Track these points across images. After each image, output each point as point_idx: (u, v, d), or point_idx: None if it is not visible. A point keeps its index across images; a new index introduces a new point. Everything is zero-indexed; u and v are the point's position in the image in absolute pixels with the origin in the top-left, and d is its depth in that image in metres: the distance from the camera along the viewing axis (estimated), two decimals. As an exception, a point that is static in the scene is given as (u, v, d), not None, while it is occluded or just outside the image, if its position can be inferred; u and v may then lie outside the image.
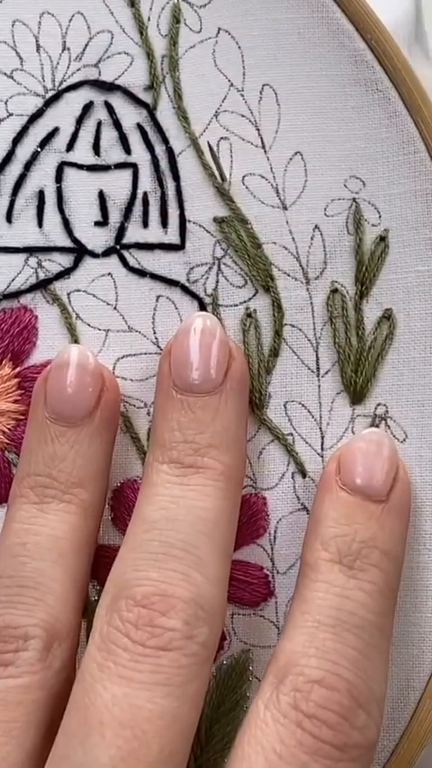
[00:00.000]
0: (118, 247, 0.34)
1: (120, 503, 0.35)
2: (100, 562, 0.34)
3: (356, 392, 0.34)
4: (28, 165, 0.34)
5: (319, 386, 0.34)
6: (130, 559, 0.31)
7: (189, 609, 0.30)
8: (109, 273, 0.34)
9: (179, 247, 0.34)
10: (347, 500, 0.32)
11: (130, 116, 0.34)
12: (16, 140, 0.34)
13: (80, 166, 0.34)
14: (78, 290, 0.34)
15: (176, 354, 0.32)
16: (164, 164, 0.34)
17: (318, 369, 0.34)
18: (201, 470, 0.32)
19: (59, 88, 0.34)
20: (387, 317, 0.34)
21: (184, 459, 0.32)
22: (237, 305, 0.34)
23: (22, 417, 0.35)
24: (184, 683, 0.29)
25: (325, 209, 0.34)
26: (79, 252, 0.34)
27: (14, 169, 0.34)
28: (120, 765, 0.28)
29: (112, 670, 0.29)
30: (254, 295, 0.34)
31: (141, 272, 0.34)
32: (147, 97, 0.34)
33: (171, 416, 0.32)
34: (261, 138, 0.34)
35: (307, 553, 0.32)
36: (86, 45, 0.34)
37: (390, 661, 0.32)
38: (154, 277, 0.34)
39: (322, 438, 0.35)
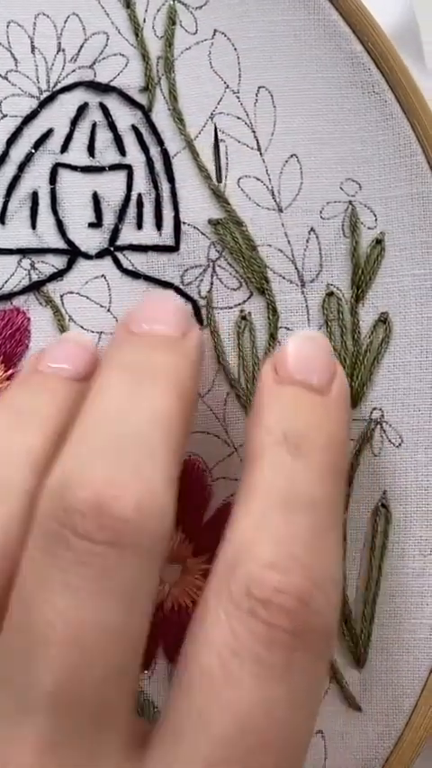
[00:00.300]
0: (112, 249, 0.34)
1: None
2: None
3: (352, 396, 0.34)
4: (22, 167, 0.34)
5: (314, 389, 0.34)
6: (76, 453, 0.29)
7: (140, 500, 0.27)
8: (103, 275, 0.34)
9: (173, 249, 0.34)
10: (290, 391, 0.31)
11: (125, 117, 0.34)
12: (10, 141, 0.34)
13: (74, 168, 0.34)
14: (72, 292, 0.34)
15: (141, 309, 0.32)
16: (159, 165, 0.34)
17: (313, 372, 0.34)
18: (155, 377, 0.30)
19: (54, 89, 0.34)
20: (383, 320, 0.34)
21: (138, 366, 0.30)
22: (231, 307, 0.34)
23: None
24: (134, 588, 0.27)
25: (321, 212, 0.34)
26: (73, 253, 0.34)
27: (8, 170, 0.34)
28: (65, 686, 0.26)
29: (55, 578, 0.27)
30: (249, 298, 0.34)
31: (135, 274, 0.34)
32: (142, 99, 0.34)
33: (128, 350, 0.31)
34: (257, 141, 0.34)
35: (249, 444, 0.30)
36: (81, 46, 0.34)
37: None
38: (148, 279, 0.34)
39: (317, 442, 0.34)
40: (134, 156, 0.34)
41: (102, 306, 0.34)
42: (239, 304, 0.34)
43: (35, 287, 0.34)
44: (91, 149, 0.34)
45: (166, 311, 0.32)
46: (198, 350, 0.31)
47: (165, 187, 0.34)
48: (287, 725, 0.27)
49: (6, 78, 0.34)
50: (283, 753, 0.27)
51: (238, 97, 0.34)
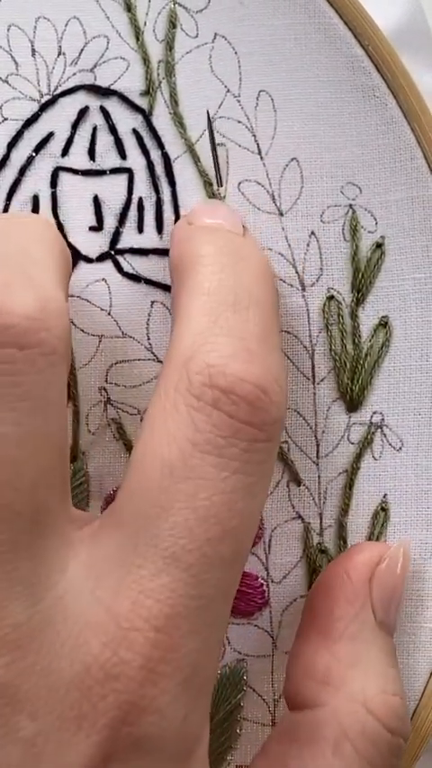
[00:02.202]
0: (112, 253, 0.34)
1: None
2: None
3: (352, 400, 0.34)
4: (23, 170, 0.34)
5: (314, 393, 0.34)
6: None
7: (38, 298, 0.27)
8: (103, 279, 0.34)
9: (174, 253, 0.34)
10: (213, 225, 0.32)
11: (125, 121, 0.34)
12: (11, 145, 0.34)
13: (75, 171, 0.34)
14: (72, 296, 0.34)
15: None
16: (159, 169, 0.34)
17: (313, 376, 0.34)
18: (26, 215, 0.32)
19: (55, 93, 0.34)
20: (383, 324, 0.34)
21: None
22: (232, 311, 0.34)
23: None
24: (46, 393, 0.27)
25: (321, 216, 0.34)
26: (73, 257, 0.34)
27: (9, 174, 0.34)
28: (1, 499, 0.27)
29: None
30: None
31: (136, 278, 0.34)
32: (143, 102, 0.34)
33: None
34: (257, 144, 0.34)
35: (180, 258, 0.31)
36: (82, 50, 0.34)
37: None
38: (149, 282, 0.34)
39: (317, 446, 0.34)
40: (135, 159, 0.34)
41: (102, 309, 0.34)
42: (240, 308, 0.34)
43: (36, 290, 0.34)
44: (92, 153, 0.34)
45: None
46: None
47: (166, 191, 0.34)
48: (244, 513, 0.28)
49: (7, 82, 0.34)
50: (238, 539, 0.28)
51: (238, 101, 0.34)
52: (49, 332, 0.27)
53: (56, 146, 0.34)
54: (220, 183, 0.34)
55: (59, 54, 0.34)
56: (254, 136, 0.34)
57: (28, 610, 0.27)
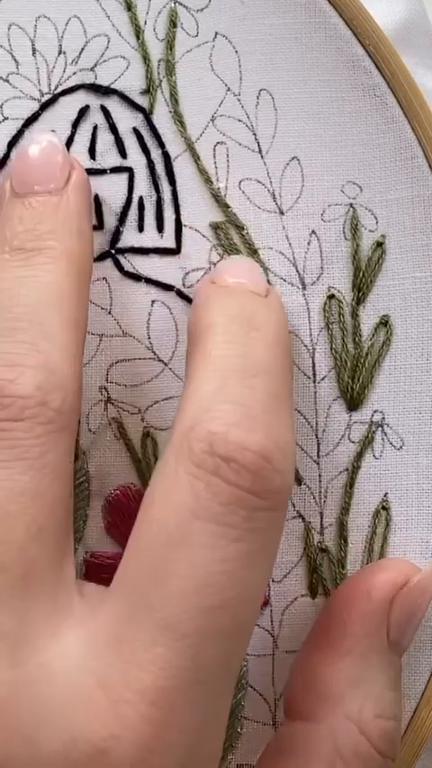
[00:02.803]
0: (113, 252, 0.34)
1: (114, 509, 0.34)
2: (93, 570, 0.34)
3: (353, 398, 0.34)
4: (23, 170, 0.34)
5: (315, 392, 0.34)
6: None
7: (39, 375, 0.28)
8: (104, 278, 0.34)
9: (175, 252, 0.34)
10: (233, 286, 0.32)
11: (126, 120, 0.34)
12: (12, 144, 0.34)
13: (76, 170, 0.34)
14: (73, 295, 0.34)
15: (17, 165, 0.32)
16: (160, 168, 0.34)
17: (314, 375, 0.34)
18: (43, 251, 0.30)
19: (55, 92, 0.34)
20: (384, 323, 0.34)
21: (26, 244, 0.30)
22: (233, 310, 0.34)
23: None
24: (43, 454, 0.27)
25: (322, 215, 0.34)
26: (74, 256, 0.34)
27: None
28: None
29: None
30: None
31: (136, 277, 0.34)
32: (143, 101, 0.34)
33: (12, 215, 0.31)
34: (258, 143, 0.34)
35: (195, 326, 0.31)
36: (82, 49, 0.34)
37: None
38: (149, 282, 0.34)
39: (318, 444, 0.34)
40: (135, 158, 0.34)
41: (102, 308, 0.34)
42: (240, 307, 0.34)
43: (36, 289, 0.34)
44: (92, 152, 0.34)
45: (45, 171, 0.32)
46: (83, 200, 0.32)
47: (166, 190, 0.34)
48: (244, 583, 0.27)
49: (8, 81, 0.34)
50: (239, 610, 0.27)
51: (239, 100, 0.34)
52: (47, 407, 0.28)
53: (56, 145, 0.34)
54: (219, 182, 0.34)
55: (60, 53, 0.34)
56: (254, 134, 0.34)
57: (11, 670, 0.26)
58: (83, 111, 0.34)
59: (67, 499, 0.28)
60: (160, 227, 0.34)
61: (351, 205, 0.34)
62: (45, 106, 0.34)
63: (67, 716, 0.26)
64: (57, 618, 0.27)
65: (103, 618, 0.27)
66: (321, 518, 0.35)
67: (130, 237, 0.34)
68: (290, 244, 0.34)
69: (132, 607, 0.27)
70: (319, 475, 0.34)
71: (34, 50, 0.34)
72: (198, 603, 0.27)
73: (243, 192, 0.34)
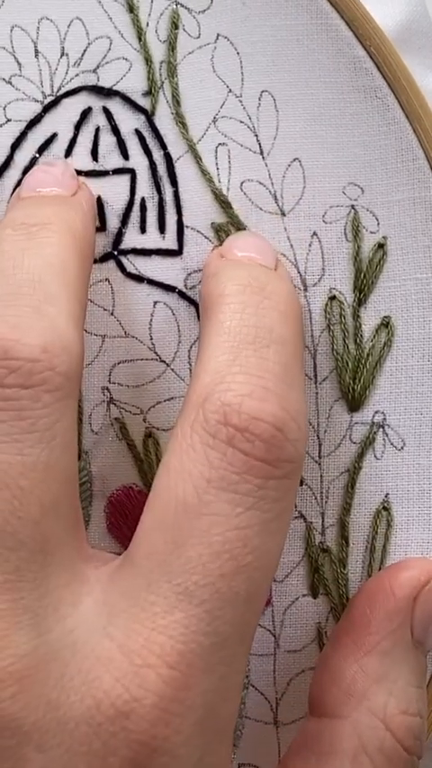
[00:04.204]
0: (115, 253, 0.34)
1: (116, 510, 0.35)
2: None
3: (354, 399, 0.34)
4: (26, 171, 0.34)
5: (316, 393, 0.34)
6: None
7: (45, 336, 0.28)
8: (106, 279, 0.34)
9: (177, 253, 0.34)
10: (243, 258, 0.32)
11: (128, 122, 0.34)
12: (15, 146, 0.34)
13: (78, 172, 0.34)
14: (75, 296, 0.34)
15: (26, 179, 0.33)
16: (162, 169, 0.34)
17: (315, 376, 0.34)
18: (47, 226, 0.31)
19: (58, 94, 0.34)
20: (385, 324, 0.34)
21: (30, 220, 0.31)
22: (234, 311, 0.34)
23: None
24: (52, 425, 0.28)
25: (323, 216, 0.34)
26: (76, 257, 0.34)
27: (13, 174, 0.34)
28: (5, 527, 0.27)
29: None
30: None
31: (139, 278, 0.34)
32: (145, 103, 0.34)
33: (16, 205, 0.32)
34: (259, 145, 0.34)
35: (207, 296, 0.31)
36: (85, 51, 0.34)
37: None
38: (151, 283, 0.34)
39: (320, 445, 0.34)
40: (137, 160, 0.34)
41: (105, 309, 0.34)
42: (242, 308, 0.34)
43: (39, 290, 0.34)
44: (94, 153, 0.34)
45: (56, 175, 0.33)
46: (89, 203, 0.33)
47: (168, 191, 0.34)
48: (260, 550, 0.28)
49: (10, 83, 0.34)
50: (254, 576, 0.28)
51: (240, 101, 0.34)
52: (53, 371, 0.28)
53: (59, 147, 0.34)
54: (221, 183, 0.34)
55: (62, 55, 0.34)
56: (256, 136, 0.34)
57: (34, 640, 0.27)
58: (85, 113, 0.34)
59: (74, 470, 0.29)
60: (162, 229, 0.34)
61: (352, 206, 0.34)
62: (48, 108, 0.34)
63: (89, 681, 0.27)
64: (76, 587, 0.28)
65: (121, 585, 0.28)
66: (323, 518, 0.35)
67: (132, 239, 0.34)
68: (291, 245, 0.34)
69: (150, 574, 0.27)
70: (321, 475, 0.34)
71: (37, 52, 0.34)
72: (215, 570, 0.27)
73: (245, 194, 0.34)
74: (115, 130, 0.34)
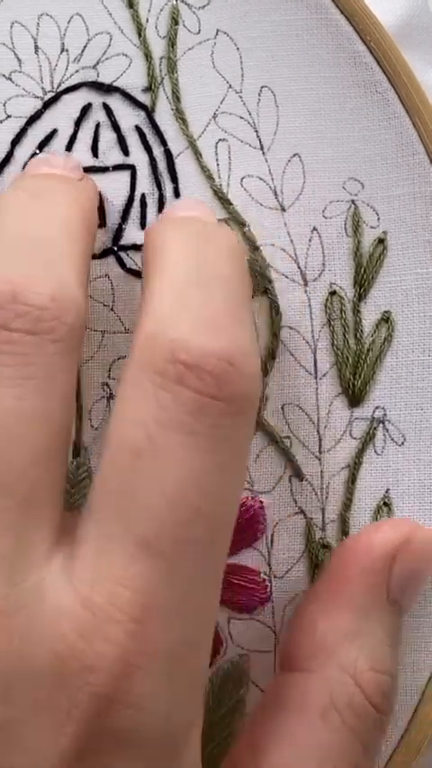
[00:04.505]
0: (115, 249, 0.34)
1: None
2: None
3: (354, 395, 0.34)
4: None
5: (316, 388, 0.34)
6: None
7: (54, 285, 0.28)
8: (106, 275, 0.34)
9: (177, 249, 0.34)
10: (182, 219, 0.32)
11: (128, 118, 0.34)
12: (15, 142, 0.34)
13: (78, 168, 0.34)
14: (75, 292, 0.34)
15: (33, 162, 0.33)
16: (162, 165, 0.34)
17: (316, 371, 0.34)
18: (54, 192, 0.31)
19: (58, 90, 0.34)
20: (386, 319, 0.34)
21: (36, 185, 0.31)
22: (234, 307, 0.34)
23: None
24: (53, 376, 0.27)
25: (323, 211, 0.34)
26: (76, 253, 0.34)
27: (13, 170, 0.34)
28: None
29: None
30: (251, 297, 0.34)
31: (139, 274, 0.34)
32: (145, 99, 0.34)
33: (27, 179, 0.32)
34: (259, 140, 0.34)
35: (149, 245, 0.31)
36: (85, 46, 0.34)
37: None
38: (151, 278, 0.34)
39: (320, 441, 0.34)
40: (137, 156, 0.34)
41: (105, 305, 0.34)
42: (242, 303, 0.34)
43: (39, 286, 0.34)
44: (95, 150, 0.34)
45: (62, 161, 0.33)
46: (93, 190, 0.33)
47: (168, 187, 0.34)
48: (217, 494, 0.27)
49: (10, 79, 0.34)
50: (214, 522, 0.27)
51: (240, 97, 0.34)
52: (60, 321, 0.28)
53: (59, 143, 0.34)
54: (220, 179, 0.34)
55: (62, 51, 0.34)
56: (256, 131, 0.34)
57: (6, 588, 0.27)
58: (85, 109, 0.34)
59: (70, 425, 0.28)
60: (162, 225, 0.34)
61: (353, 201, 0.34)
62: (48, 104, 0.34)
63: (55, 634, 0.27)
64: (51, 540, 0.28)
65: (83, 538, 0.28)
66: (323, 514, 0.35)
67: (132, 234, 0.34)
68: (291, 240, 0.34)
69: (109, 526, 0.27)
70: (321, 471, 0.34)
71: (37, 48, 0.34)
72: (172, 517, 0.27)
73: (245, 189, 0.34)
74: (115, 126, 0.34)
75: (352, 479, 0.34)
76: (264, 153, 0.34)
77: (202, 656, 0.28)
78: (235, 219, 0.34)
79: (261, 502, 0.34)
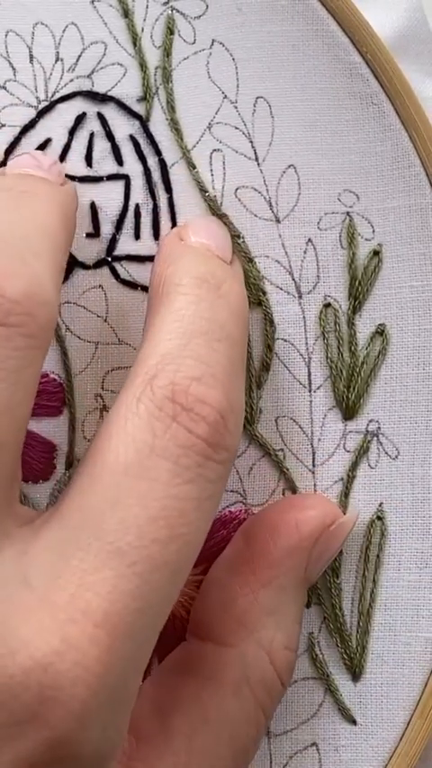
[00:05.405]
0: (109, 259, 0.34)
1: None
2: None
3: (348, 408, 0.34)
4: (20, 176, 0.34)
5: (310, 401, 0.34)
6: None
7: (28, 283, 0.28)
8: (100, 285, 0.34)
9: (171, 260, 0.34)
10: (200, 246, 0.32)
11: (122, 127, 0.34)
12: (9, 151, 0.34)
13: (72, 178, 0.34)
14: (69, 302, 0.34)
15: (16, 159, 0.34)
16: (156, 175, 0.34)
17: (309, 384, 0.34)
18: (33, 191, 0.31)
19: (52, 99, 0.34)
20: (380, 332, 0.34)
21: (15, 184, 0.32)
22: (228, 318, 0.34)
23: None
24: (20, 369, 0.28)
25: (318, 223, 0.34)
26: (70, 264, 0.34)
27: (6, 180, 0.34)
28: None
29: None
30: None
31: (132, 285, 0.34)
32: (140, 108, 0.34)
33: (7, 177, 0.33)
34: (254, 151, 0.34)
35: (164, 284, 0.31)
36: (80, 56, 0.34)
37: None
38: (145, 289, 0.34)
39: (313, 454, 0.34)
40: (132, 166, 0.34)
41: (99, 316, 0.34)
42: (236, 315, 0.34)
43: (32, 297, 0.34)
44: (89, 159, 0.34)
45: (43, 165, 0.33)
46: (73, 197, 0.33)
47: (162, 197, 0.34)
48: (194, 525, 0.28)
49: (5, 88, 0.34)
50: (185, 547, 0.28)
51: (235, 107, 0.34)
52: (31, 317, 0.28)
53: (53, 152, 0.34)
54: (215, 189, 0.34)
55: (57, 60, 0.34)
56: (251, 142, 0.34)
57: None
58: (80, 119, 0.34)
59: (26, 423, 0.29)
60: (157, 235, 0.34)
61: (348, 213, 0.34)
62: (42, 113, 0.34)
63: (5, 630, 0.26)
64: (1, 537, 0.28)
65: (47, 538, 0.28)
66: (316, 527, 0.34)
67: (126, 245, 0.34)
68: (286, 252, 0.34)
69: (80, 530, 0.27)
70: (315, 484, 0.34)
71: (31, 57, 0.34)
72: (150, 533, 0.27)
73: (239, 200, 0.34)
74: (110, 136, 0.34)
75: (345, 493, 0.34)
76: (259, 164, 0.34)
77: (138, 681, 0.28)
78: (229, 231, 0.34)
79: (254, 514, 0.34)
